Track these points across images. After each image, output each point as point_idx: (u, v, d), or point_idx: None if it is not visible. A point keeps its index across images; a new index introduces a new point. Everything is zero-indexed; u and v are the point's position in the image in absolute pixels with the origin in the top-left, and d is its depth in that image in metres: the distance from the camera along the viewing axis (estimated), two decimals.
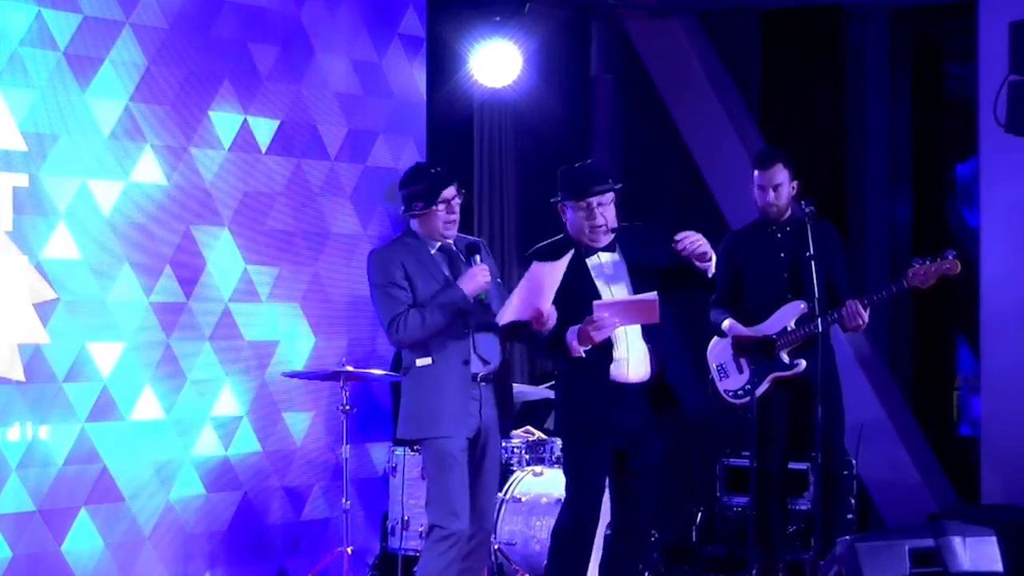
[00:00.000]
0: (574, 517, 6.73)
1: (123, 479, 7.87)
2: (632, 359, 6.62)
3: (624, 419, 6.62)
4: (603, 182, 6.66)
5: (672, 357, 6.70)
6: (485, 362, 6.69)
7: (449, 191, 6.68)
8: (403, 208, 6.78)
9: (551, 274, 6.43)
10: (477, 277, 6.62)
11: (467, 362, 6.64)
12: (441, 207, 6.66)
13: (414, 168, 6.98)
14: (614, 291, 6.63)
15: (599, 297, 6.59)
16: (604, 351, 6.57)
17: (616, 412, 6.60)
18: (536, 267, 6.44)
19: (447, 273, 6.70)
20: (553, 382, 9.08)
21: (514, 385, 8.19)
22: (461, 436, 6.64)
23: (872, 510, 9.77)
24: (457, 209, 6.72)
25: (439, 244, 6.75)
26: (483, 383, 6.68)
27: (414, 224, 6.77)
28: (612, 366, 6.60)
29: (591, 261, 6.68)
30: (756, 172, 7.87)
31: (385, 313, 6.67)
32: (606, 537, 6.95)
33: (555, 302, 6.50)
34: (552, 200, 6.76)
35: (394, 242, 6.89)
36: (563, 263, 6.44)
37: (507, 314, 6.54)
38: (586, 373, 6.60)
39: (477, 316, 6.65)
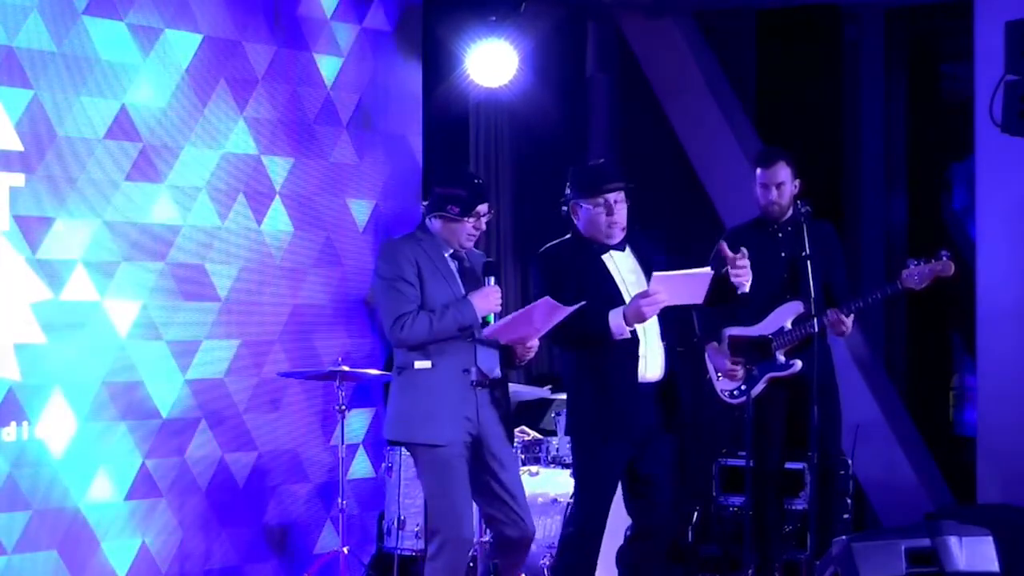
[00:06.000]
0: (584, 521, 6.68)
1: (116, 478, 7.87)
2: (651, 357, 6.62)
3: (640, 420, 6.60)
4: (618, 179, 6.69)
5: (676, 355, 6.72)
6: (484, 374, 6.59)
7: (484, 206, 6.55)
8: (432, 205, 6.59)
9: (556, 314, 6.41)
10: (491, 298, 6.52)
11: (467, 371, 6.54)
12: (472, 219, 6.55)
13: (457, 171, 6.88)
14: (631, 288, 6.61)
15: (619, 293, 6.58)
16: (631, 348, 6.55)
17: (633, 413, 6.57)
18: (548, 303, 6.37)
19: (460, 281, 6.59)
20: (550, 384, 9.11)
21: (509, 385, 8.20)
22: (458, 442, 6.52)
23: (868, 510, 9.78)
24: (483, 226, 6.61)
25: (451, 250, 6.63)
26: (479, 388, 6.59)
27: (433, 224, 6.59)
28: (639, 364, 6.58)
29: (605, 259, 6.67)
30: (759, 170, 7.87)
31: (390, 308, 6.50)
32: (626, 538, 6.89)
33: (575, 300, 6.47)
34: (563, 200, 6.73)
35: (408, 237, 6.69)
36: (571, 309, 6.42)
37: (496, 331, 6.51)
38: (611, 371, 6.56)
39: (480, 332, 6.55)
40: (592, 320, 6.48)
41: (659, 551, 6.80)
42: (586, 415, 6.67)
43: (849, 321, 7.66)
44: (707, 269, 6.48)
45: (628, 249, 6.72)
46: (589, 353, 6.60)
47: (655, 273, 6.50)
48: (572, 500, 6.90)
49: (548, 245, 6.80)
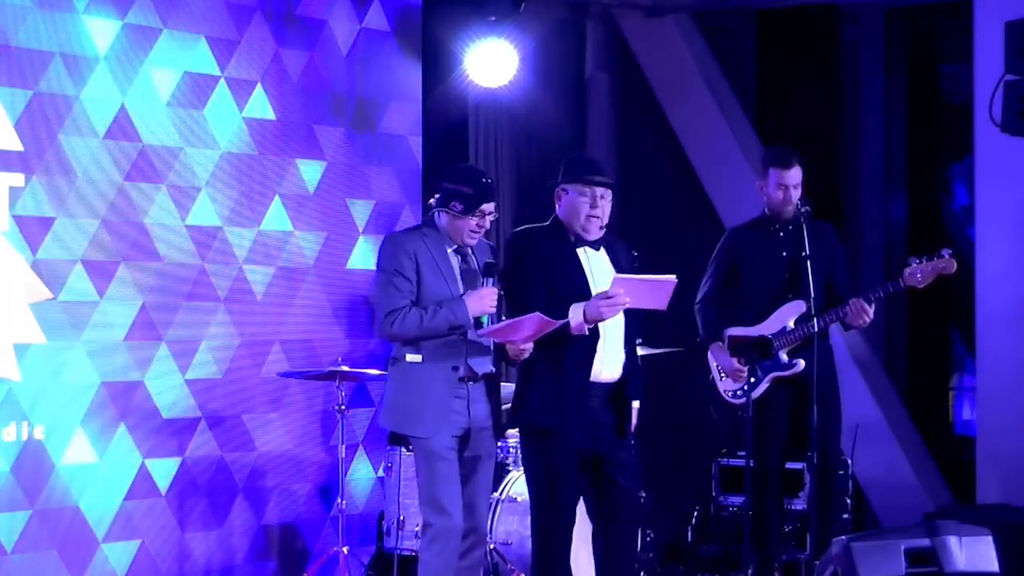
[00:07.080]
0: (544, 525, 6.58)
1: (116, 478, 7.87)
2: (609, 359, 6.59)
3: (590, 419, 6.54)
4: (609, 176, 6.70)
5: (633, 359, 6.71)
6: (474, 371, 6.64)
7: (489, 205, 6.61)
8: (438, 200, 6.66)
9: (547, 327, 6.39)
10: (485, 300, 6.55)
11: (456, 368, 6.59)
12: (475, 217, 6.60)
13: (467, 168, 6.95)
14: (599, 286, 6.57)
15: (587, 285, 6.54)
16: (589, 348, 6.52)
17: (586, 412, 6.53)
18: (539, 317, 6.35)
19: (459, 278, 6.64)
20: None
21: (510, 385, 8.19)
22: (446, 434, 6.58)
23: (868, 510, 9.78)
24: (488, 225, 6.67)
25: (456, 246, 6.69)
26: (471, 383, 6.63)
27: (440, 219, 6.67)
28: (595, 363, 6.55)
29: (579, 252, 6.64)
30: (776, 171, 7.79)
31: (385, 302, 6.60)
32: (594, 539, 6.82)
33: (543, 289, 6.48)
34: (549, 183, 6.72)
35: (412, 231, 6.79)
36: (559, 324, 6.40)
37: (487, 334, 6.53)
38: (566, 368, 6.51)
39: (472, 331, 6.59)
40: (554, 312, 6.43)
41: (626, 533, 6.66)
42: (536, 412, 6.58)
43: (871, 310, 7.64)
44: (671, 277, 6.44)
45: (604, 252, 6.69)
46: (546, 344, 6.51)
47: (616, 275, 6.49)
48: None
49: (525, 227, 6.79)
